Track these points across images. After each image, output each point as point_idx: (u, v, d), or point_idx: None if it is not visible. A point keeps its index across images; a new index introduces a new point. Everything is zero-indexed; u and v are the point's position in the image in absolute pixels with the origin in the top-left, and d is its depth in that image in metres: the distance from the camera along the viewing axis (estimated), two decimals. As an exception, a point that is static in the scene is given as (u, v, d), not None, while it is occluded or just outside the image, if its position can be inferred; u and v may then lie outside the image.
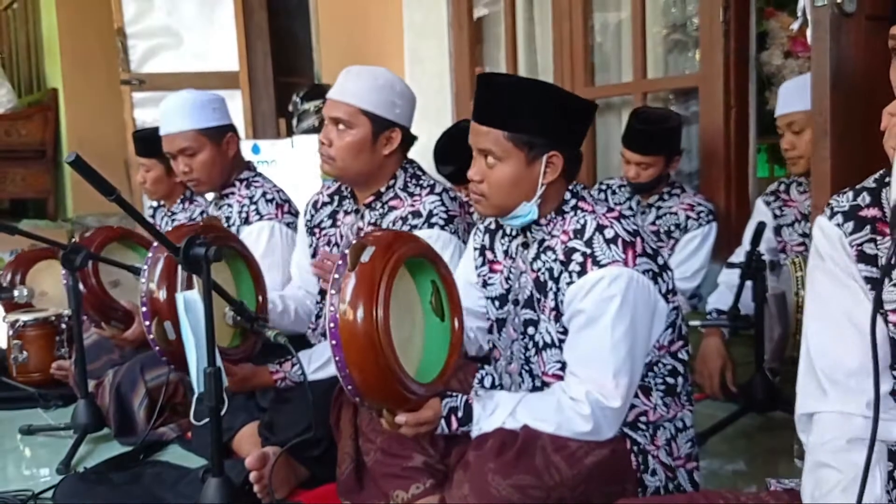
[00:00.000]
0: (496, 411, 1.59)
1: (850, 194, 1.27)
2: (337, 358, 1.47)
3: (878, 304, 1.10)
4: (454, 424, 1.60)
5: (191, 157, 2.55)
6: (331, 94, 2.15)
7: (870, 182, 1.27)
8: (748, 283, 2.39)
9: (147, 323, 1.85)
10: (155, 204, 3.25)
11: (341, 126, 2.11)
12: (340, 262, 1.52)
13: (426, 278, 1.72)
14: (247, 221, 2.54)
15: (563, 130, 1.63)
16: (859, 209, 1.24)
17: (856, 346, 1.19)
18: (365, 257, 1.50)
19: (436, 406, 1.59)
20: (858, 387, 1.18)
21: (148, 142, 3.05)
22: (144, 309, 1.86)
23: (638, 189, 3.03)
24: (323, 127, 2.16)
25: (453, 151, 3.11)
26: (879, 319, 1.17)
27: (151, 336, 1.84)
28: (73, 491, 2.14)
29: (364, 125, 2.11)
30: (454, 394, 1.63)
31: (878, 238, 1.22)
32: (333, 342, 1.47)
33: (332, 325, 1.48)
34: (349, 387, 1.49)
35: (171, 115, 2.57)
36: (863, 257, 1.23)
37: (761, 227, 2.42)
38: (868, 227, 1.23)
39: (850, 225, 1.24)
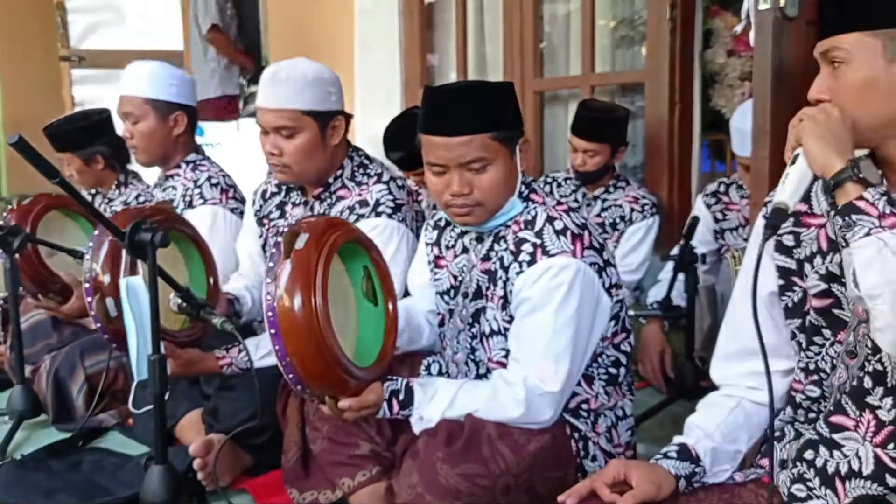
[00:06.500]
0: (436, 397, 1.61)
1: None
2: (277, 347, 1.46)
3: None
4: (395, 408, 1.61)
5: (133, 125, 2.57)
6: (264, 103, 2.06)
7: None
8: (681, 276, 2.46)
9: (89, 299, 1.81)
10: (92, 190, 3.17)
11: (286, 133, 2.05)
12: (274, 250, 1.51)
13: (358, 264, 1.72)
14: (190, 205, 2.51)
15: (520, 119, 1.68)
16: None
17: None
18: (299, 244, 1.49)
19: (378, 390, 1.60)
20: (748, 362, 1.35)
21: (57, 137, 2.96)
22: (87, 285, 1.82)
23: (584, 179, 3.07)
24: (263, 137, 2.08)
25: (402, 138, 3.11)
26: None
27: (93, 313, 1.81)
28: (9, 478, 2.10)
29: (310, 125, 2.06)
30: (395, 378, 1.65)
31: (800, 231, 1.28)
32: (272, 331, 1.45)
33: (269, 314, 1.45)
34: (290, 375, 1.48)
35: (129, 78, 2.59)
36: (780, 247, 1.29)
37: (695, 221, 2.49)
38: (791, 218, 1.28)
39: None
